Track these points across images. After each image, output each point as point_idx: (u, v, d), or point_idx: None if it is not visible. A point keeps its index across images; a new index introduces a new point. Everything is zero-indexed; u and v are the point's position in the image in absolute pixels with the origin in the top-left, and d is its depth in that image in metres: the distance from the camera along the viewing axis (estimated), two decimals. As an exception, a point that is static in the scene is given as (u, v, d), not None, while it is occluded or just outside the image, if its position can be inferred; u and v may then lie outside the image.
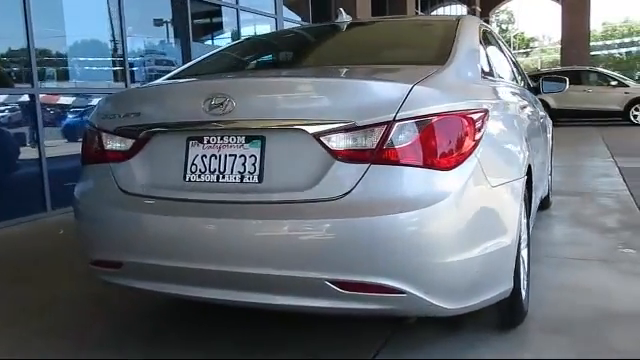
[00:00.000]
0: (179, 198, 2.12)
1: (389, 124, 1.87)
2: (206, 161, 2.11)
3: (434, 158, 1.88)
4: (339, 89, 2.03)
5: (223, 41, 9.09)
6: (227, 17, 8.92)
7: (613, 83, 15.07)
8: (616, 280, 3.10)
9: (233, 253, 2.00)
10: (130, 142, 2.25)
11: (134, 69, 6.94)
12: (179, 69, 3.03)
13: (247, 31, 9.32)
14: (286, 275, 1.93)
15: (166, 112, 2.20)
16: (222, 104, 2.02)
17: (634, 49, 43.22)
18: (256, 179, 2.02)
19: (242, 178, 2.04)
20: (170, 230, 2.11)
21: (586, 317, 2.60)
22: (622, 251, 3.62)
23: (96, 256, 2.32)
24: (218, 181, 2.08)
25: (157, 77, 7.63)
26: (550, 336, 2.43)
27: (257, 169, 2.02)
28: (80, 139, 2.56)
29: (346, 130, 1.91)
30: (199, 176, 2.11)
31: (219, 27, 9.13)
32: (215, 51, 3.31)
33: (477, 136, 1.99)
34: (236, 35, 8.92)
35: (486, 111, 2.10)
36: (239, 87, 2.12)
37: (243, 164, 2.05)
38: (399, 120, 1.87)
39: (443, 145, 1.90)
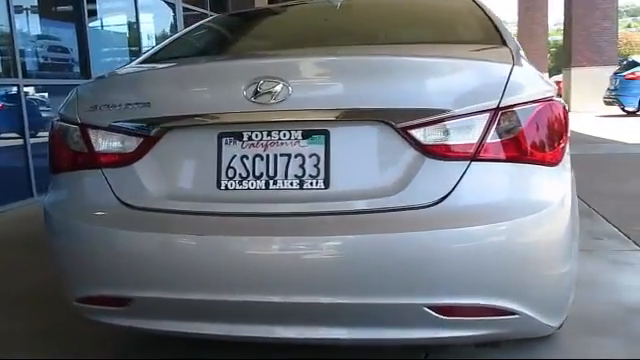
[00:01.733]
0: (212, 212, 1.65)
1: (493, 112, 1.55)
2: (248, 163, 1.66)
3: (543, 152, 1.59)
4: (430, 70, 1.66)
5: (121, 27, 8.23)
6: (124, 2, 8.07)
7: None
8: (612, 271, 3.04)
9: (295, 279, 1.58)
10: (134, 141, 1.73)
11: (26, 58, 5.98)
12: (158, 48, 2.44)
13: (145, 17, 8.53)
14: (371, 303, 1.56)
15: (190, 101, 1.70)
16: (273, 90, 1.58)
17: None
18: (321, 184, 1.61)
19: (301, 184, 1.62)
20: (202, 253, 1.63)
21: (612, 314, 2.47)
22: (597, 241, 3.61)
23: (87, 292, 1.77)
24: (268, 188, 1.64)
25: (51, 67, 6.74)
26: (592, 338, 2.26)
27: (322, 171, 1.61)
28: None
29: (441, 120, 1.56)
30: (240, 182, 1.65)
31: (117, 12, 8.25)
32: (206, 23, 2.74)
33: (568, 126, 1.73)
34: (135, 22, 8.10)
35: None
36: (297, 68, 1.67)
37: (301, 166, 1.63)
38: (504, 107, 1.56)
39: (549, 137, 1.61)
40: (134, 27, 8.22)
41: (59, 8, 7.09)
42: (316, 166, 1.61)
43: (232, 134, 1.67)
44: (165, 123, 1.70)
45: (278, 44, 2.29)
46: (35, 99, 6.36)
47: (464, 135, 1.56)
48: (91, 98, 1.82)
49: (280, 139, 1.64)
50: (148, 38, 8.72)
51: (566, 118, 1.67)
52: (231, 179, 1.66)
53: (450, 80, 1.61)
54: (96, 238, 1.73)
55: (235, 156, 1.66)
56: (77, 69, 6.89)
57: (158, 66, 2.09)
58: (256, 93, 1.59)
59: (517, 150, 1.56)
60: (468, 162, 1.55)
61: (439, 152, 1.56)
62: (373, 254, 1.54)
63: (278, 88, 1.58)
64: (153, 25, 9.35)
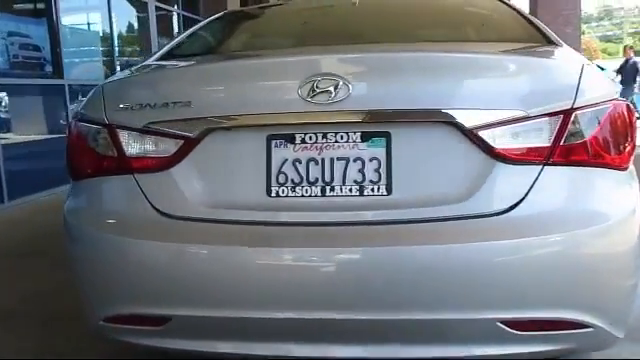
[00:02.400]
0: (262, 221, 1.51)
1: (567, 113, 1.46)
2: (301, 168, 1.52)
3: (616, 155, 1.51)
4: (501, 69, 1.56)
5: (95, 26, 7.93)
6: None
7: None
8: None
9: (359, 294, 1.46)
10: (172, 144, 1.57)
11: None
12: (178, 42, 2.25)
13: (120, 14, 8.25)
14: (439, 319, 1.44)
15: (235, 100, 1.55)
16: (331, 89, 1.46)
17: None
18: (383, 190, 1.49)
19: (362, 190, 1.49)
20: (252, 267, 1.49)
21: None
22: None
23: (117, 310, 1.60)
24: (324, 195, 1.51)
25: (23, 65, 6.40)
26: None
27: (383, 176, 1.49)
28: None
29: (513, 122, 1.46)
30: (292, 189, 1.52)
31: (90, 9, 7.95)
32: (222, 17, 2.54)
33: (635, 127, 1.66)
34: (108, 18, 7.81)
35: None
36: (357, 65, 1.55)
37: (361, 170, 1.50)
38: (577, 109, 1.47)
39: (620, 139, 1.53)
40: (106, 25, 7.93)
41: (28, 5, 6.76)
42: (377, 171, 1.49)
43: (283, 136, 1.53)
44: (208, 124, 1.55)
45: (313, 39, 2.15)
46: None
47: (537, 138, 1.46)
48: (121, 96, 1.65)
49: (337, 142, 1.52)
50: (119, 36, 8.44)
51: (632, 119, 1.60)
52: (282, 185, 1.52)
53: (522, 80, 1.51)
54: (129, 251, 1.57)
55: (286, 160, 1.53)
56: (49, 68, 6.59)
57: (198, 62, 1.92)
58: (312, 92, 1.46)
59: (590, 153, 1.48)
60: (541, 166, 1.46)
61: (511, 156, 1.46)
62: (443, 266, 1.42)
63: (337, 86, 1.46)
64: (126, 23, 9.06)
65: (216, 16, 2.57)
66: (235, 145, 1.56)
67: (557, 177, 1.47)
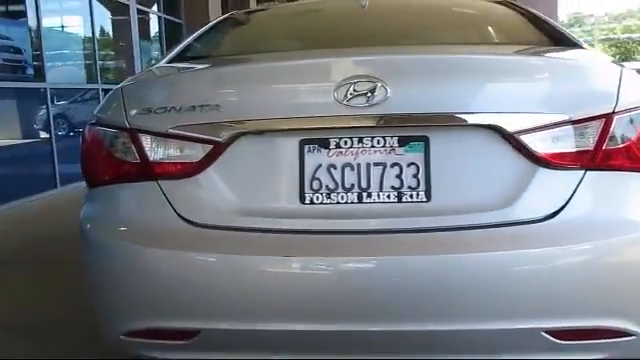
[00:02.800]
0: (296, 229, 1.45)
1: (609, 117, 1.43)
2: (336, 174, 1.47)
3: None
4: (543, 72, 1.52)
5: (80, 29, 7.76)
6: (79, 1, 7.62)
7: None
8: None
9: (399, 305, 1.41)
10: (199, 148, 1.50)
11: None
12: (191, 42, 2.17)
13: (100, 16, 8.09)
14: (483, 329, 1.40)
15: (266, 103, 1.49)
16: (368, 91, 1.41)
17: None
18: (422, 196, 1.44)
19: (400, 196, 1.44)
20: (287, 277, 1.43)
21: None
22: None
23: (141, 324, 1.52)
24: (360, 201, 1.45)
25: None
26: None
27: (422, 182, 1.44)
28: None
29: (555, 126, 1.42)
30: (328, 196, 1.46)
31: (72, 12, 7.77)
32: (238, 16, 2.45)
33: None
34: (89, 21, 7.65)
35: None
36: (396, 67, 1.49)
37: (398, 176, 1.45)
38: (619, 112, 1.44)
39: None
40: (88, 28, 7.77)
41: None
42: (415, 176, 1.45)
43: (317, 141, 1.48)
44: (237, 128, 1.48)
45: (333, 41, 2.08)
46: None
47: (579, 142, 1.43)
48: (143, 99, 1.58)
49: (373, 146, 1.46)
50: (100, 40, 8.27)
51: None
52: (317, 192, 1.46)
53: (564, 83, 1.47)
54: (154, 261, 1.49)
55: (320, 166, 1.47)
56: (31, 71, 6.42)
57: (225, 64, 1.85)
58: (348, 94, 1.41)
59: (632, 157, 1.45)
60: (583, 171, 1.43)
61: (553, 161, 1.42)
62: (486, 275, 1.38)
63: (374, 89, 1.41)
64: (109, 26, 8.90)
65: (226, 16, 2.50)
66: (266, 150, 1.50)
67: (599, 182, 1.44)
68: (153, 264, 1.49)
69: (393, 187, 1.45)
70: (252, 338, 1.47)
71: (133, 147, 1.54)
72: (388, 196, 1.45)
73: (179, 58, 2.04)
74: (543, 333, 1.40)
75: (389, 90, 1.41)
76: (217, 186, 1.50)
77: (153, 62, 1.96)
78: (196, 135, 1.49)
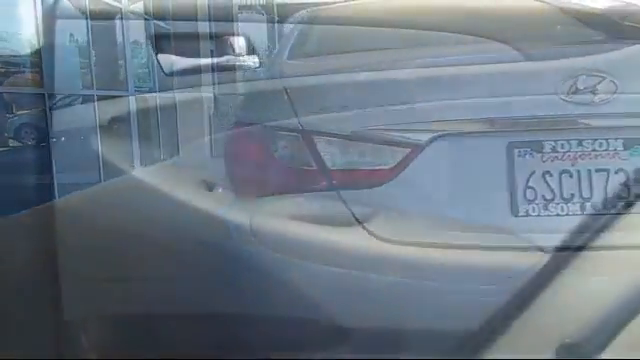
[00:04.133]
0: (511, 246, 1.26)
1: None
2: (552, 181, 1.28)
3: None
4: None
5: (85, 37, 7.39)
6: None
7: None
8: None
9: None
10: (387, 153, 1.30)
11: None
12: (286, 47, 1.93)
13: (100, 21, 7.74)
14: None
15: (471, 101, 1.30)
16: (596, 88, 1.24)
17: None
18: None
19: (627, 206, 1.27)
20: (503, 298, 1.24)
21: None
22: None
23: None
24: (583, 213, 1.27)
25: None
26: None
27: None
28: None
29: None
30: (545, 207, 1.27)
31: (73, 16, 7.41)
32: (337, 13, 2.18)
33: None
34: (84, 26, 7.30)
35: None
36: (626, 60, 1.32)
37: (625, 184, 1.28)
38: None
39: None
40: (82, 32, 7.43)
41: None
42: None
43: (528, 144, 1.29)
44: (433, 130, 1.28)
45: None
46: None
47: None
48: (318, 99, 1.37)
49: (594, 150, 1.28)
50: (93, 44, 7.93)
51: None
52: (532, 202, 1.27)
53: None
54: (337, 284, 1.28)
55: (534, 172, 1.28)
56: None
57: (410, 59, 1.63)
58: (570, 92, 1.24)
59: None
60: None
61: None
62: None
63: (603, 86, 1.23)
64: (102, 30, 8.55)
65: (324, 8, 2.23)
66: (467, 155, 1.31)
67: None
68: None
69: (620, 197, 1.27)
70: None
71: (307, 153, 1.32)
72: (615, 207, 1.27)
73: (302, 54, 1.80)
74: None
75: (617, 86, 1.24)
76: (411, 197, 1.30)
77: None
78: (385, 139, 1.29)
